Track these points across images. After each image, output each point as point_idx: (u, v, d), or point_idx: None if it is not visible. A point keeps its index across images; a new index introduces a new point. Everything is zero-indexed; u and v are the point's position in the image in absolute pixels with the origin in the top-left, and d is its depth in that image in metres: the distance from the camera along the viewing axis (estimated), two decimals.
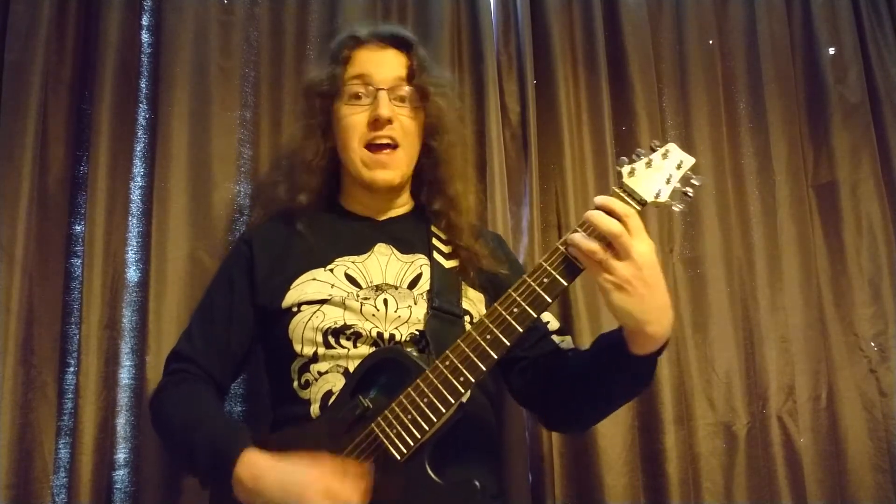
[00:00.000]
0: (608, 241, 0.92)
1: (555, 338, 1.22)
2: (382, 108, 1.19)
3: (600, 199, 0.95)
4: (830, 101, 1.87)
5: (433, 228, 1.27)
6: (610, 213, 0.93)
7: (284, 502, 0.95)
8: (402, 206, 1.32)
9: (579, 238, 0.93)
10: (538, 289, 0.96)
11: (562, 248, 0.97)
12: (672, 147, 1.02)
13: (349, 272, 1.18)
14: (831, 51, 1.90)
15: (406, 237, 1.25)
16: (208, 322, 1.23)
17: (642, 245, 0.92)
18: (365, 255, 1.21)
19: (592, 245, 0.92)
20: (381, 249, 1.22)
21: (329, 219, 1.28)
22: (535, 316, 0.96)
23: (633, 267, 0.91)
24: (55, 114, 1.40)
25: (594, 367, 1.08)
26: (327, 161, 1.27)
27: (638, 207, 0.97)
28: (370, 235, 1.24)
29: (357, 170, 1.22)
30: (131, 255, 1.43)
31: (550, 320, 1.25)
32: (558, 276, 0.96)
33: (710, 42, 1.84)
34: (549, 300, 0.96)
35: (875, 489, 1.68)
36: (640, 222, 0.93)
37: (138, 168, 1.47)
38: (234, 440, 1.04)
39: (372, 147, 1.21)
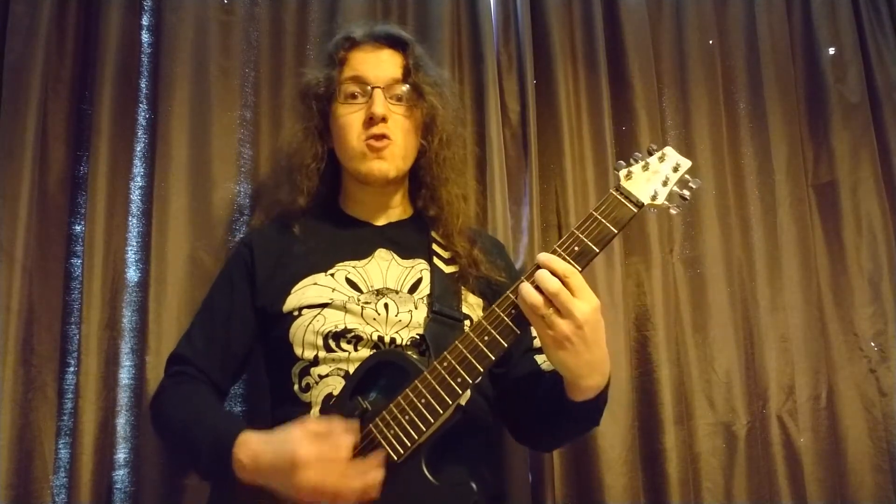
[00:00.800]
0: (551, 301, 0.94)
1: (536, 357, 1.22)
2: (377, 106, 1.19)
3: (542, 258, 0.96)
4: (830, 101, 1.87)
5: (433, 234, 1.28)
6: (552, 272, 0.94)
7: (282, 468, 0.96)
8: (401, 210, 1.32)
9: (526, 291, 0.95)
10: None
11: (560, 251, 0.98)
12: (669, 150, 1.04)
13: (350, 277, 1.19)
14: (831, 51, 1.90)
15: (406, 242, 1.26)
16: (208, 324, 1.23)
17: (583, 304, 0.94)
18: (366, 260, 1.22)
19: (537, 300, 0.94)
20: (382, 254, 1.23)
21: (329, 223, 1.28)
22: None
23: (572, 325, 0.93)
24: (55, 114, 1.40)
25: (543, 403, 1.12)
26: (325, 163, 1.27)
27: (635, 210, 0.99)
28: (371, 240, 1.25)
29: (354, 164, 1.23)
30: (131, 255, 1.42)
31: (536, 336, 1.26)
32: None
33: (710, 42, 1.84)
34: None
35: (875, 489, 1.68)
36: (581, 280, 0.95)
37: (138, 168, 1.47)
38: (231, 428, 1.05)
39: (368, 141, 1.21)
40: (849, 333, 1.78)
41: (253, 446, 1.00)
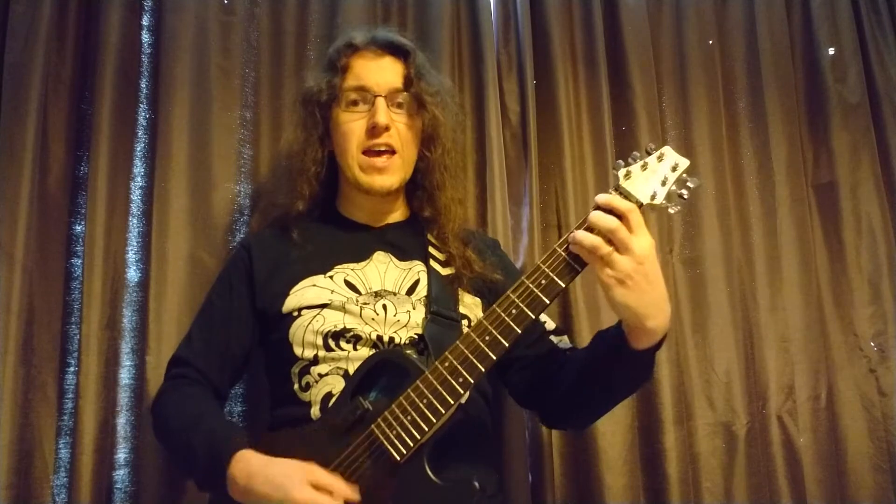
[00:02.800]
0: (609, 239, 0.93)
1: (553, 338, 1.22)
2: (380, 116, 1.19)
3: (602, 198, 0.96)
4: (830, 102, 1.87)
5: (429, 237, 1.28)
6: (611, 210, 0.94)
7: (273, 495, 0.96)
8: (399, 213, 1.33)
9: (582, 235, 0.94)
10: (536, 290, 0.97)
11: (560, 251, 0.98)
12: (667, 150, 1.04)
13: (348, 279, 1.19)
14: (831, 51, 1.90)
15: (404, 244, 1.26)
16: (208, 327, 1.24)
17: (642, 240, 0.94)
18: (364, 263, 1.22)
19: (595, 241, 0.93)
20: (380, 257, 1.24)
21: (327, 226, 1.29)
22: (533, 317, 0.97)
23: (633, 261, 0.93)
24: (55, 114, 1.40)
25: (594, 363, 1.08)
26: (325, 168, 1.27)
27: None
28: (369, 243, 1.25)
29: (355, 175, 1.23)
30: (131, 255, 1.43)
31: (547, 320, 1.25)
32: (556, 278, 0.97)
33: (710, 42, 1.84)
34: (547, 301, 0.97)
35: (875, 489, 1.68)
36: (640, 218, 0.95)
37: (138, 168, 1.47)
38: (230, 440, 1.05)
39: (369, 153, 1.22)
40: (849, 333, 1.78)
41: (251, 467, 1.00)
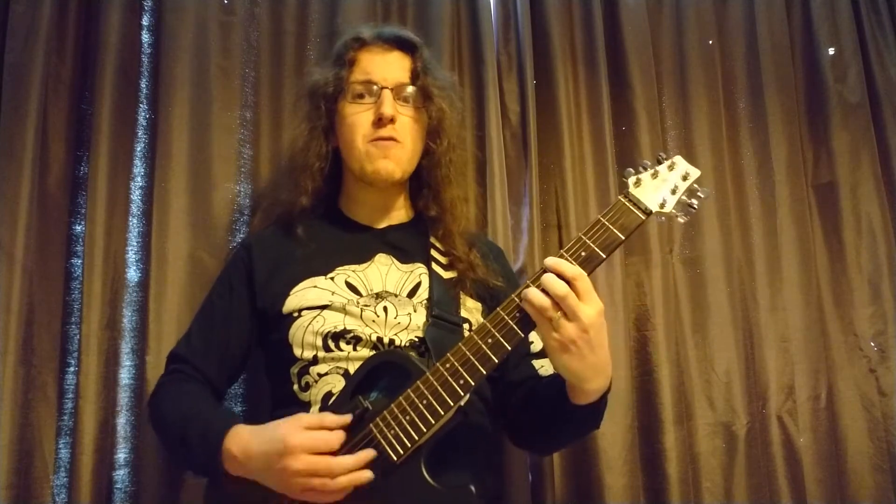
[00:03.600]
0: (557, 304, 0.94)
1: (534, 362, 1.23)
2: (386, 107, 1.19)
3: (550, 262, 0.96)
4: (830, 101, 1.87)
5: (432, 239, 1.28)
6: (559, 275, 0.94)
7: (271, 457, 0.96)
8: (402, 213, 1.32)
9: (533, 294, 0.95)
10: None
11: (567, 256, 0.99)
12: (678, 159, 1.04)
13: (349, 280, 1.19)
14: (831, 51, 1.90)
15: (406, 247, 1.26)
16: (207, 325, 1.24)
17: (589, 308, 0.94)
18: (365, 265, 1.22)
19: (544, 302, 0.94)
20: (382, 259, 1.23)
21: (330, 226, 1.29)
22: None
23: (578, 328, 0.94)
24: (55, 114, 1.40)
25: (543, 408, 1.13)
26: (329, 163, 1.27)
27: (643, 217, 0.99)
28: (371, 245, 1.25)
29: (360, 164, 1.22)
30: (131, 255, 1.43)
31: (535, 341, 1.25)
32: None
33: (710, 42, 1.84)
34: None
35: (875, 489, 1.68)
36: (589, 284, 0.95)
37: (138, 168, 1.47)
38: (222, 421, 1.06)
39: (375, 141, 1.21)
40: (849, 333, 1.78)
41: (244, 437, 1.01)
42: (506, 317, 0.98)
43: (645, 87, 1.73)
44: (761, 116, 1.83)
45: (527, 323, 0.97)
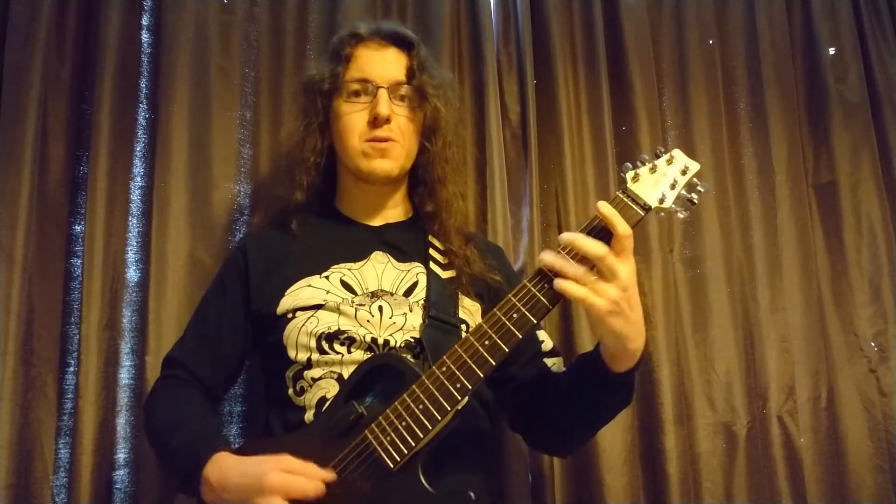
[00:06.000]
0: (591, 264, 0.92)
1: (546, 360, 1.21)
2: (382, 107, 1.18)
3: (603, 206, 0.94)
4: (830, 101, 1.87)
5: (430, 238, 1.27)
6: (612, 227, 0.92)
7: (246, 493, 0.94)
8: (399, 211, 1.31)
9: (566, 264, 0.93)
10: (538, 294, 0.95)
11: (563, 254, 0.96)
12: (677, 153, 1.02)
13: (345, 279, 1.18)
14: (831, 51, 1.89)
15: (403, 245, 1.25)
16: (201, 328, 1.22)
17: (626, 266, 0.93)
18: (361, 263, 1.20)
19: (578, 270, 0.92)
20: (378, 257, 1.22)
21: (325, 225, 1.27)
22: (535, 322, 0.95)
23: (618, 288, 0.92)
24: (55, 114, 1.40)
25: (577, 388, 1.08)
26: (325, 159, 1.26)
27: (642, 213, 0.97)
28: (367, 243, 1.24)
29: (356, 162, 1.21)
30: (131, 255, 1.43)
31: (545, 339, 1.24)
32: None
33: (710, 42, 1.84)
34: (550, 306, 0.95)
35: (875, 489, 1.68)
36: (631, 243, 0.93)
37: (138, 168, 1.47)
38: (208, 443, 1.03)
39: (371, 141, 1.20)
40: (849, 333, 1.77)
41: (224, 466, 0.99)
42: (502, 317, 0.95)
43: (645, 86, 1.73)
44: (761, 116, 1.83)
45: (524, 323, 0.94)
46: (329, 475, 0.95)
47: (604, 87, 1.70)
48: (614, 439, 1.51)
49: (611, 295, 0.92)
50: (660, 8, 1.83)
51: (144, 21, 1.52)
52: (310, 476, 0.94)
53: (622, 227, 0.93)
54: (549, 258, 0.94)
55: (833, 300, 1.80)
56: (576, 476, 1.53)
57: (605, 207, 0.94)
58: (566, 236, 0.94)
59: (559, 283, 0.93)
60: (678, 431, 1.57)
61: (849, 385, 1.74)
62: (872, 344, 1.76)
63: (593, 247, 0.92)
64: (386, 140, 1.20)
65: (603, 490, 1.49)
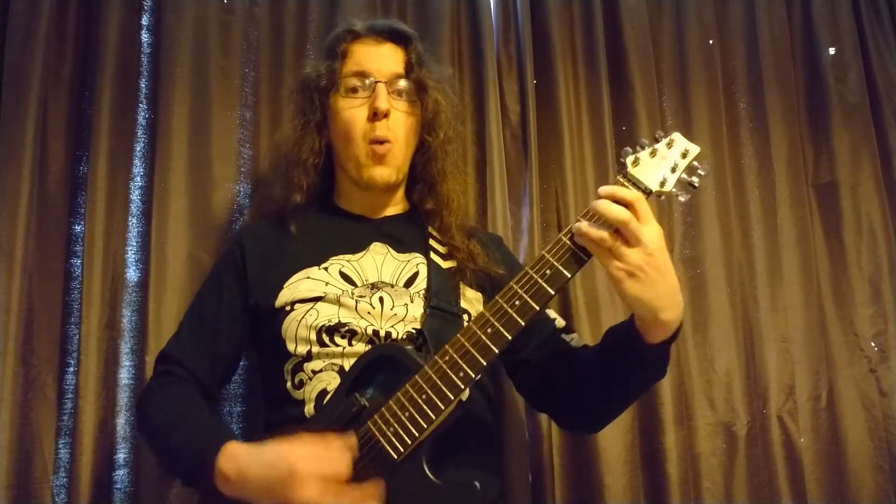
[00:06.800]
0: (615, 229, 0.91)
1: (563, 336, 1.19)
2: (381, 101, 1.17)
3: (605, 189, 0.93)
4: (830, 101, 1.87)
5: (430, 229, 1.26)
6: (617, 201, 0.91)
7: (275, 483, 0.91)
8: (398, 206, 1.31)
9: (587, 227, 0.91)
10: (540, 280, 0.94)
11: (565, 239, 0.95)
12: (677, 136, 1.01)
13: (344, 270, 1.17)
14: (831, 51, 1.89)
15: (402, 236, 1.24)
16: (196, 324, 1.21)
17: (651, 230, 0.91)
18: (360, 254, 1.20)
19: (601, 233, 0.91)
20: (377, 248, 1.21)
21: (323, 218, 1.27)
22: (538, 308, 0.93)
23: (643, 253, 0.90)
24: (55, 114, 1.40)
25: (608, 362, 1.05)
26: (322, 158, 1.25)
27: (644, 197, 0.96)
28: (366, 234, 1.23)
29: (356, 167, 1.21)
30: (131, 255, 1.42)
31: (556, 318, 1.22)
32: (561, 268, 0.94)
33: (710, 42, 1.84)
34: (552, 292, 0.94)
35: (875, 489, 1.68)
36: (647, 207, 0.92)
37: (138, 168, 1.47)
38: (213, 436, 1.01)
39: (371, 145, 1.19)
40: (849, 334, 1.77)
41: (240, 459, 0.95)
42: (504, 305, 0.94)
43: (645, 86, 1.73)
44: (762, 116, 1.83)
45: (526, 311, 0.93)
46: (350, 439, 0.94)
47: (604, 87, 1.70)
48: (614, 439, 1.51)
49: (633, 259, 0.90)
50: (660, 8, 1.83)
51: (144, 21, 1.52)
52: (335, 450, 0.93)
53: (629, 194, 0.92)
54: (586, 228, 0.92)
55: (833, 300, 1.80)
56: (576, 476, 1.53)
57: (603, 189, 0.93)
58: (603, 190, 0.93)
59: (581, 238, 0.91)
60: (678, 431, 1.57)
61: (849, 385, 1.74)
62: (872, 344, 1.76)
63: (615, 211, 0.90)
64: (384, 141, 1.19)
65: (603, 490, 1.48)
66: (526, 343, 0.99)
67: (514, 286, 0.95)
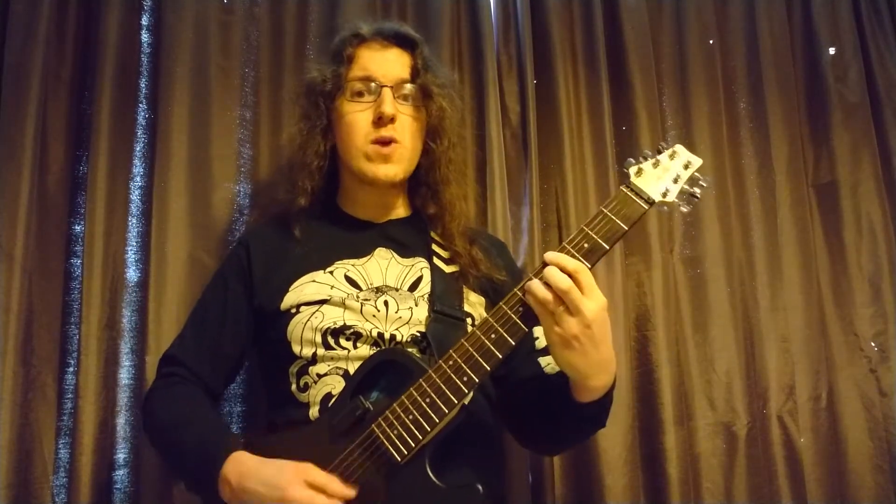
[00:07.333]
0: (560, 298, 0.93)
1: (540, 359, 1.20)
2: (386, 106, 1.17)
3: (550, 256, 0.95)
4: (830, 101, 1.87)
5: (432, 234, 1.27)
6: (562, 269, 0.93)
7: (268, 495, 0.94)
8: (401, 209, 1.31)
9: (536, 286, 0.94)
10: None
11: (570, 248, 0.98)
12: (679, 148, 1.03)
13: (349, 274, 1.17)
14: (831, 51, 1.90)
15: (406, 241, 1.25)
16: (201, 325, 1.22)
17: (592, 302, 0.93)
18: (365, 259, 1.20)
19: (547, 294, 0.93)
20: (382, 253, 1.22)
21: (328, 222, 1.27)
22: None
23: (581, 324, 0.92)
24: (55, 114, 1.40)
25: (549, 407, 1.10)
26: (327, 162, 1.25)
27: (646, 207, 0.98)
28: (370, 239, 1.23)
29: (360, 165, 1.20)
30: (131, 255, 1.43)
31: (539, 337, 1.22)
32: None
33: (710, 42, 1.84)
34: None
35: (875, 489, 1.68)
36: (591, 279, 0.94)
37: (138, 168, 1.47)
38: (221, 441, 1.03)
39: (375, 142, 1.19)
40: (849, 334, 1.77)
41: (243, 468, 0.99)
42: (508, 311, 0.96)
43: (645, 86, 1.73)
44: (762, 116, 1.83)
45: (530, 317, 0.95)
46: (350, 492, 0.96)
47: (604, 87, 1.70)
48: (614, 439, 1.51)
49: (570, 328, 0.93)
50: (660, 8, 1.83)
51: (144, 21, 1.52)
52: (332, 493, 0.95)
53: (571, 263, 0.94)
54: (534, 287, 0.94)
55: (833, 300, 1.80)
56: (576, 476, 1.53)
57: (548, 255, 0.95)
58: (549, 257, 0.95)
59: (530, 300, 0.95)
60: (678, 431, 1.57)
61: (849, 385, 1.74)
62: (872, 344, 1.76)
63: (558, 280, 0.92)
64: (390, 141, 1.19)
65: (603, 490, 1.49)
66: (512, 355, 1.01)
67: (518, 293, 0.97)
